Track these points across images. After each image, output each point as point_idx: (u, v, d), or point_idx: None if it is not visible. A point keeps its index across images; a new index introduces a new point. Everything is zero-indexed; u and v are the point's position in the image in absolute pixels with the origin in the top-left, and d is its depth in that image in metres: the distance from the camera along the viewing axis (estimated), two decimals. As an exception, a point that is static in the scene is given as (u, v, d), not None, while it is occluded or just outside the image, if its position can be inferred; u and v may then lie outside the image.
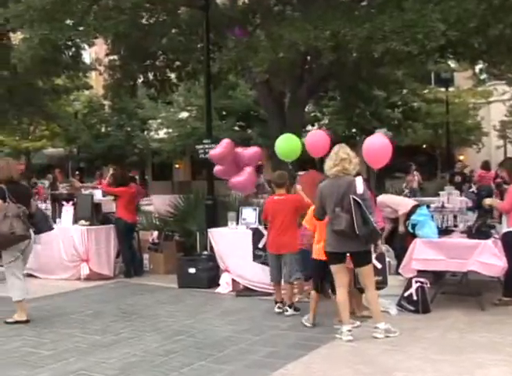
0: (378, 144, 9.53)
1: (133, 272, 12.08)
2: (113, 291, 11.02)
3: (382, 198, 11.16)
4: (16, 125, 28.65)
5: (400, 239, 10.75)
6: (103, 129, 43.92)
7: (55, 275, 12.02)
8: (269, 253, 9.00)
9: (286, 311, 8.70)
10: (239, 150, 11.20)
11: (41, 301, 10.01)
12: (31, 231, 8.47)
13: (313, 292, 8.11)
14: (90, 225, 11.96)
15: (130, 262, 12.15)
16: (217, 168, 11.32)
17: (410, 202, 11.12)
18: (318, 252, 7.94)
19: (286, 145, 10.80)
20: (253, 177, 11.19)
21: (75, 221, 12.19)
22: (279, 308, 8.80)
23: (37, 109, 23.53)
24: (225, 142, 11.17)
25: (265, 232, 9.64)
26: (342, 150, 7.51)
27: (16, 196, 8.34)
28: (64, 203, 12.57)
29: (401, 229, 10.82)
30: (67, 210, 12.41)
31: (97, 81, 32.99)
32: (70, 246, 11.83)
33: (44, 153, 45.54)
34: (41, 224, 8.78)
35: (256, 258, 9.94)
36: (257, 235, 9.95)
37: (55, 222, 12.45)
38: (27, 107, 22.79)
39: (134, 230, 12.48)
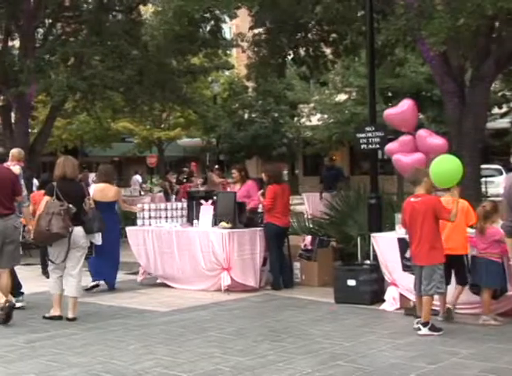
0: None
1: (282, 284, 12.24)
2: (258, 305, 11.20)
3: None
4: (147, 112, 29.61)
5: None
6: (246, 116, 44.72)
7: (192, 285, 12.36)
8: (413, 263, 9.25)
9: (419, 329, 8.76)
10: (424, 133, 11.25)
11: (176, 315, 10.34)
12: (75, 229, 9.78)
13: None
14: (232, 227, 12.07)
15: (279, 272, 12.28)
16: (389, 146, 11.45)
17: None
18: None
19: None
20: (413, 110, 11.24)
21: (215, 223, 12.39)
22: (418, 323, 8.86)
23: (171, 93, 24.15)
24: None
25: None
26: None
27: (66, 194, 9.77)
28: (202, 202, 12.78)
29: None
30: (206, 210, 12.60)
31: (239, 60, 33.70)
32: (208, 252, 12.05)
33: (178, 143, 46.99)
34: (91, 223, 10.12)
35: (406, 268, 10.08)
36: (402, 244, 10.05)
37: (191, 223, 12.79)
38: (159, 91, 23.46)
39: (285, 235, 12.62)
